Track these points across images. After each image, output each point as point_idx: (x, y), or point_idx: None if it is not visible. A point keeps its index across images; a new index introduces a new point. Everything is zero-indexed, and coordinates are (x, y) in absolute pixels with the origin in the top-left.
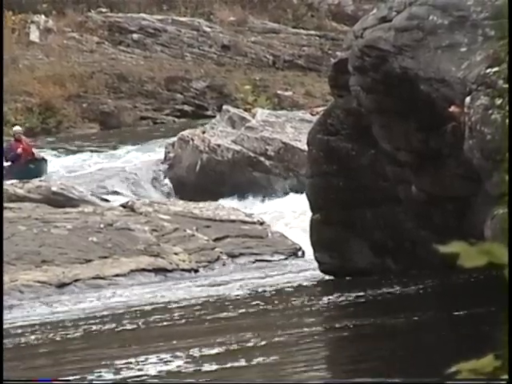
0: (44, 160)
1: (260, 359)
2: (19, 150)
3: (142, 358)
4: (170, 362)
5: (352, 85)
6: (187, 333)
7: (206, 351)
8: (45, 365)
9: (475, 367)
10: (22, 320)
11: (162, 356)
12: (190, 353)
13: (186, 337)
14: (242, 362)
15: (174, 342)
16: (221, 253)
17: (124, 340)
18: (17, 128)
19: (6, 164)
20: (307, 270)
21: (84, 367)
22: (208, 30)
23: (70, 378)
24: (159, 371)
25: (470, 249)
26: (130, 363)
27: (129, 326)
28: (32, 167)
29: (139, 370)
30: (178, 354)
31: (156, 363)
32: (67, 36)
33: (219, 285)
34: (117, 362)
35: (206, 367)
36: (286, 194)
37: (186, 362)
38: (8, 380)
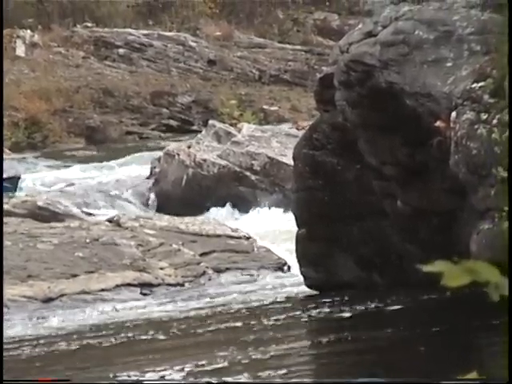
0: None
1: (247, 374)
2: None
3: (138, 372)
4: (167, 375)
5: (338, 99)
6: (174, 347)
7: (200, 366)
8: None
9: None
10: (8, 335)
11: (159, 370)
12: (179, 367)
13: (174, 351)
14: (236, 377)
15: (166, 356)
16: (207, 267)
17: (114, 355)
18: None
19: None
20: (293, 284)
21: (80, 382)
22: (194, 44)
23: None
24: None
25: (453, 268)
26: (129, 376)
27: (117, 341)
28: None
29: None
30: (174, 368)
31: (153, 377)
32: (53, 51)
33: (205, 300)
34: (118, 374)
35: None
36: (272, 208)
37: (184, 377)
38: (8, 380)
